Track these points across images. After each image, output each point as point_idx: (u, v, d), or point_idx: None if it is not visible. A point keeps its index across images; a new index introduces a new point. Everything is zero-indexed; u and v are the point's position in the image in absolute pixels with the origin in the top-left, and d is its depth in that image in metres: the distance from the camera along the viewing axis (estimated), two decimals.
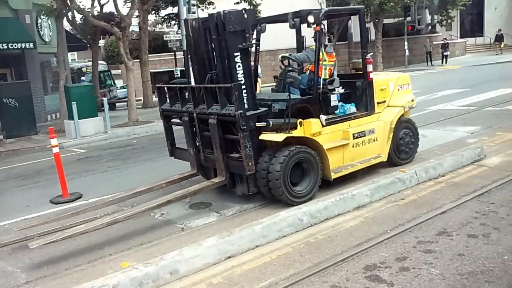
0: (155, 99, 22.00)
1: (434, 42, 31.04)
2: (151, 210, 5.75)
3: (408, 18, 29.93)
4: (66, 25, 19.82)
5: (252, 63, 6.60)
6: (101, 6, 20.95)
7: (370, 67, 7.02)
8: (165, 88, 7.24)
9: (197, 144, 6.62)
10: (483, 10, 39.85)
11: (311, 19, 6.38)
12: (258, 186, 6.06)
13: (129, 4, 22.03)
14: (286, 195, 5.90)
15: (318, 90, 6.50)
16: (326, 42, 7.22)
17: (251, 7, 20.79)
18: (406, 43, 29.54)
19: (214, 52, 6.22)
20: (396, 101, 7.46)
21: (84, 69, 27.12)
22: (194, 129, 6.53)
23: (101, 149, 12.35)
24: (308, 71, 7.11)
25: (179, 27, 20.82)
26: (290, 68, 7.04)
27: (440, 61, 30.03)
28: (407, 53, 29.79)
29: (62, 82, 16.19)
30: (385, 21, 32.18)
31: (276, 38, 37.16)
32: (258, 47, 7.43)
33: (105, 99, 15.43)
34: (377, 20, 28.63)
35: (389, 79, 7.54)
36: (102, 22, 16.63)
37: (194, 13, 17.60)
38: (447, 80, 19.60)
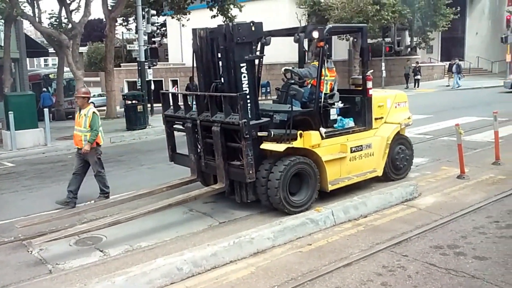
0: (120, 109, 21.99)
1: (413, 65, 30.94)
2: (151, 213, 5.84)
3: (388, 39, 30.34)
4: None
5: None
6: (60, 12, 20.21)
7: (369, 84, 7.25)
8: (170, 94, 7.39)
9: (199, 150, 6.77)
10: (464, 35, 40.53)
11: (315, 34, 6.60)
12: (257, 194, 6.23)
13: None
14: (284, 204, 6.05)
15: (319, 103, 6.70)
16: (328, 58, 7.47)
17: (227, 20, 20.90)
18: (383, 64, 29.66)
19: (220, 62, 6.40)
20: (393, 118, 7.68)
21: (52, 76, 26.65)
22: (197, 135, 6.68)
23: (30, 163, 11.50)
24: (310, 85, 7.32)
25: (137, 38, 20.26)
26: (292, 81, 7.24)
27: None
28: (384, 74, 29.88)
29: (7, 90, 15.51)
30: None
31: (274, 52, 38.11)
32: (261, 60, 7.68)
33: (46, 110, 14.44)
34: (355, 40, 28.95)
35: (387, 96, 7.77)
36: (51, 29, 16.22)
37: (154, 24, 17.55)
38: (415, 105, 18.67)
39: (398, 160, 7.62)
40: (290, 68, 7.35)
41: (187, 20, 24.39)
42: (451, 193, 6.53)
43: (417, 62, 29.61)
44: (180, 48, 49.27)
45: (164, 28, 44.89)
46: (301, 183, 6.36)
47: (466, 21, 40.88)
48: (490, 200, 6.00)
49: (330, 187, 6.60)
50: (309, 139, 6.54)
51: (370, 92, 7.27)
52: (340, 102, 7.46)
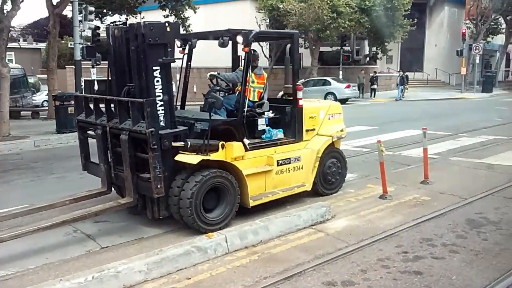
0: None
1: (371, 74, 30.81)
2: (40, 231, 5.18)
3: (348, 48, 30.35)
4: None
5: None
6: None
7: (300, 94, 6.82)
8: (83, 98, 6.76)
9: (109, 160, 6.17)
10: (423, 46, 41.18)
11: (239, 39, 6.14)
12: (170, 210, 5.69)
13: None
14: (197, 221, 5.52)
15: (243, 112, 6.23)
16: (257, 64, 7.03)
17: (180, 20, 20.25)
18: (341, 72, 29.51)
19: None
20: (325, 130, 7.29)
21: None
22: (107, 143, 6.09)
23: None
24: (238, 92, 6.86)
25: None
26: (218, 88, 6.75)
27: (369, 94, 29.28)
28: None
29: None
30: (324, 49, 32.56)
31: (218, 56, 37.64)
32: (189, 63, 7.15)
33: None
34: (313, 47, 28.80)
35: (320, 107, 7.37)
36: None
37: (91, 20, 16.76)
38: (364, 115, 18.80)
39: (330, 174, 7.22)
40: (216, 73, 6.85)
41: (142, 18, 23.64)
42: (367, 215, 5.99)
43: (374, 72, 29.64)
44: None
45: None
46: (219, 198, 5.86)
47: (425, 33, 41.61)
48: (406, 226, 5.49)
49: (252, 203, 6.12)
50: (231, 150, 6.07)
51: (301, 102, 6.85)
52: (271, 111, 7.05)
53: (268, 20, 30.26)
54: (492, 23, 37.07)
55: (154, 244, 5.25)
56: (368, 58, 33.40)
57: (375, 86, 28.69)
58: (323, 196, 7.10)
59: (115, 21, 35.51)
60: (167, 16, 21.25)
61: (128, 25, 5.84)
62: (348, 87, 26.00)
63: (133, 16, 23.15)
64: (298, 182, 6.83)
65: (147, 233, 5.68)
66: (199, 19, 39.46)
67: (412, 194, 6.77)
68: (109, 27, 6.08)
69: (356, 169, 8.29)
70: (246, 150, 6.22)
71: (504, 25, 39.06)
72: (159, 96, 5.54)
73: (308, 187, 6.89)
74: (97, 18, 31.85)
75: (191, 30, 24.93)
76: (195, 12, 22.17)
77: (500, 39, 41.25)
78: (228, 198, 5.84)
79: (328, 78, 26.46)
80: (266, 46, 31.12)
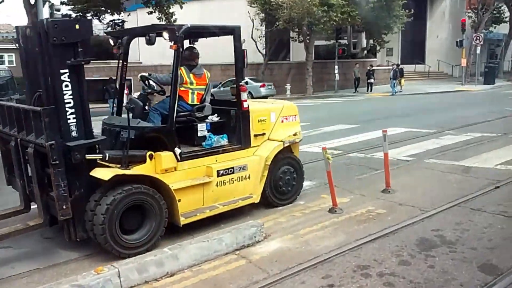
0: None
1: (368, 68, 29.67)
2: None
3: (344, 41, 29.40)
4: None
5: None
6: None
7: (244, 95, 6.11)
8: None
9: (24, 175, 5.52)
10: (425, 38, 40.04)
11: (166, 36, 5.45)
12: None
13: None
14: (113, 245, 4.86)
15: (173, 118, 5.54)
16: (197, 63, 6.34)
17: (165, 16, 19.55)
18: (336, 66, 28.67)
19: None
20: (278, 134, 6.58)
21: None
22: (20, 156, 5.43)
23: None
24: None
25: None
26: (150, 90, 6.06)
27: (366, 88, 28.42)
28: (337, 77, 28.91)
29: None
30: (321, 43, 31.69)
31: (231, 51, 36.92)
32: (125, 63, 6.47)
33: None
34: (308, 41, 27.92)
35: (270, 109, 6.65)
36: None
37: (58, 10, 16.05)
38: (351, 111, 18.06)
39: (283, 183, 6.51)
40: (146, 74, 6.15)
41: (128, 15, 23.01)
42: (306, 235, 5.18)
43: (371, 65, 28.70)
44: (138, 46, 47.76)
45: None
46: (143, 217, 5.19)
47: (426, 24, 40.53)
48: (345, 248, 4.68)
49: (184, 221, 5.44)
50: (160, 161, 5.40)
51: (246, 104, 6.14)
52: (215, 115, 6.37)
53: (261, 15, 29.50)
54: (494, 12, 35.87)
55: (64, 271, 4.60)
56: (365, 51, 32.42)
57: (371, 80, 27.75)
58: (276, 207, 6.42)
59: (113, 20, 35.05)
60: (151, 13, 20.58)
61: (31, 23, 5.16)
62: (263, 86, 26.92)
63: (117, 14, 22.56)
64: (245, 194, 6.14)
65: (61, 258, 5.02)
66: (193, 16, 38.96)
67: (367, 206, 6.00)
68: (18, 27, 5.41)
69: (317, 176, 7.47)
70: (179, 160, 5.55)
71: (507, 14, 37.76)
72: (69, 102, 4.87)
73: (256, 198, 6.20)
74: (95, 17, 31.42)
75: None
76: (181, 7, 21.49)
77: (505, 28, 40.03)
78: (153, 217, 5.17)
79: (246, 78, 26.12)
80: (261, 41, 30.41)
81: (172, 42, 5.46)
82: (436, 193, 6.41)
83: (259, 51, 30.45)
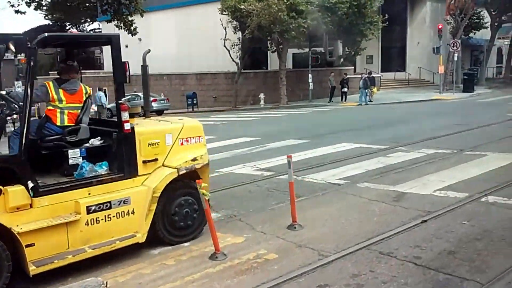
0: None
1: (349, 76, 28.82)
2: None
3: (320, 49, 28.52)
4: None
5: None
6: None
7: (125, 115, 5.16)
8: None
9: None
10: (405, 44, 39.28)
11: (12, 47, 4.49)
12: None
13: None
14: None
15: (22, 145, 4.57)
16: (73, 76, 5.39)
17: (124, 24, 18.69)
18: (310, 75, 27.65)
19: None
20: (176, 160, 5.62)
21: None
22: None
23: None
24: (44, 114, 5.23)
25: None
26: (8, 112, 5.08)
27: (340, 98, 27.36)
28: (311, 86, 27.86)
29: None
30: (297, 51, 30.84)
31: (206, 62, 36.09)
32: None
33: None
34: (281, 49, 27.04)
35: (166, 130, 5.68)
36: None
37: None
38: (314, 124, 17.01)
39: (180, 218, 5.56)
40: (4, 92, 5.16)
41: (88, 25, 22.03)
42: None
43: (345, 74, 27.81)
44: (101, 53, 46.81)
45: None
46: None
47: (407, 30, 39.78)
48: None
49: (34, 270, 4.45)
50: (7, 198, 4.43)
51: (127, 126, 5.18)
52: (97, 139, 5.42)
53: (234, 22, 28.63)
54: (474, 17, 35.27)
55: None
56: (342, 59, 31.59)
57: (345, 89, 26.78)
58: (172, 245, 5.45)
59: (93, 29, 34.24)
60: (110, 21, 19.71)
61: None
62: (154, 101, 26.96)
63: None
64: (128, 232, 5.17)
65: None
66: (169, 24, 38.09)
67: (259, 249, 4.99)
68: None
69: (226, 206, 6.45)
70: (34, 195, 4.58)
71: (488, 19, 37.18)
72: None
73: (141, 237, 5.21)
74: (74, 27, 30.49)
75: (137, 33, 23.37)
76: (141, 16, 20.62)
77: (488, 34, 39.42)
78: None
79: (139, 93, 25.36)
80: (233, 49, 29.53)
81: (22, 54, 4.53)
82: (349, 230, 5.42)
83: (233, 59, 29.56)
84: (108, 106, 24.80)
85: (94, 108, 17.34)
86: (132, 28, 20.76)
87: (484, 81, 37.17)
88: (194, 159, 5.72)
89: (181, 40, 37.67)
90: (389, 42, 40.12)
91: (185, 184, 5.67)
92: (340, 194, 6.93)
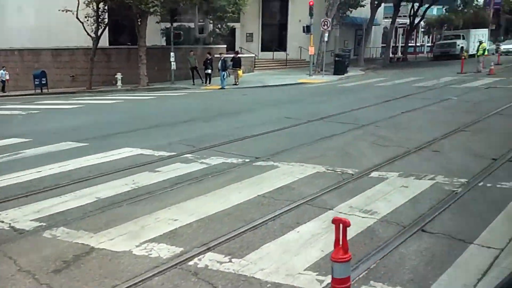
0: None
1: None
2: None
3: (190, 24, 26.12)
4: None
5: None
6: None
7: None
8: None
9: None
10: (286, 22, 37.89)
11: None
12: None
13: None
14: None
15: None
16: None
17: None
18: (172, 54, 25.00)
19: None
20: None
21: None
22: None
23: None
24: None
25: None
26: None
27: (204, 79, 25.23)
28: (173, 66, 25.22)
29: None
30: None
31: (63, 36, 31.76)
32: None
33: None
34: (139, 23, 24.25)
35: None
36: None
37: None
38: (139, 114, 14.63)
39: None
40: None
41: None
42: None
43: (208, 53, 25.42)
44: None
45: None
46: None
47: (288, 6, 38.12)
48: None
49: None
50: None
51: None
52: None
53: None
54: None
55: None
56: (212, 37, 29.27)
57: (209, 71, 24.46)
58: None
59: None
60: None
61: None
62: None
63: None
64: None
65: None
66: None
67: None
68: None
69: None
70: None
71: None
72: None
73: None
74: None
75: None
76: None
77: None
78: None
79: None
80: (87, 21, 26.01)
81: None
82: None
83: (88, 33, 26.08)
84: None
85: None
86: None
87: (362, 62, 36.78)
88: None
89: (40, 10, 33.01)
90: (270, 19, 38.51)
91: None
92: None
